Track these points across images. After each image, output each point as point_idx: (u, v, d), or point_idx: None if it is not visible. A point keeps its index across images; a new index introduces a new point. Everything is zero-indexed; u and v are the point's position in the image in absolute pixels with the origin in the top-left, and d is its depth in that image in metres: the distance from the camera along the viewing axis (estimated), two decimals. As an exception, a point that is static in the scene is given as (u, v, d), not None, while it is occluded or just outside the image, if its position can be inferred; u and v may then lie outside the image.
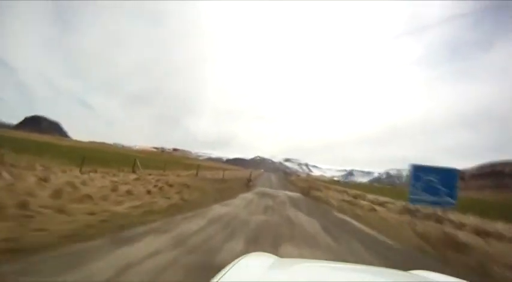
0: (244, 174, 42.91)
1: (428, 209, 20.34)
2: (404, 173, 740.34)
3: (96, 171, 15.65)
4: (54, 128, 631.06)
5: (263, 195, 17.78)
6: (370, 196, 27.07)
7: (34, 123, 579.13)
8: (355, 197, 25.30)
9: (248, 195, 16.50)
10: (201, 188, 15.11)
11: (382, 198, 25.63)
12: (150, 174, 18.52)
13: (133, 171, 18.84)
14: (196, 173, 24.02)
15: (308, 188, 26.03)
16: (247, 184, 23.24)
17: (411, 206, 21.03)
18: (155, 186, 12.65)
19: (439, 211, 18.33)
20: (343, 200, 19.85)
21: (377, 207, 16.95)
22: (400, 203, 22.10)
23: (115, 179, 13.50)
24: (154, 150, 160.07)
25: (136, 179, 14.03)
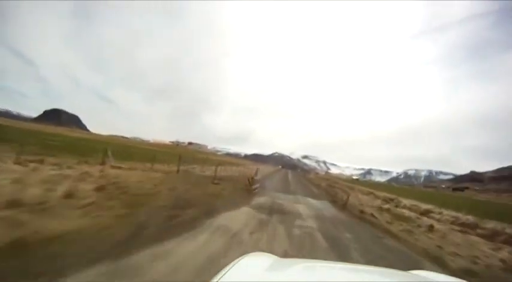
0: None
1: (491, 223, 16.90)
2: (423, 174, 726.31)
3: (42, 162, 12.14)
4: (73, 121, 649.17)
5: (270, 212, 9.63)
6: (406, 201, 23.30)
7: (53, 116, 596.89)
8: (393, 202, 21.77)
9: (238, 217, 7.96)
10: (157, 195, 8.48)
11: (423, 206, 21.82)
12: (118, 168, 14.81)
13: (103, 163, 15.80)
14: (178, 170, 17.57)
15: (334, 193, 22.55)
16: (249, 187, 14.82)
17: (468, 218, 17.68)
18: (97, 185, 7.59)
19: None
20: (381, 209, 16.47)
21: (432, 223, 13.38)
22: (448, 213, 18.51)
23: (53, 172, 9.10)
24: (170, 144, 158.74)
25: (84, 173, 9.72)
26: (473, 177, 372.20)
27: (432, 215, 17.65)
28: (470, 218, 16.72)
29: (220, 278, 1.11)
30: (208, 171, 21.19)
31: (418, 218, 14.77)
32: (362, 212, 13.28)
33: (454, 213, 18.66)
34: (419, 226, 11.45)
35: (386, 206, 18.30)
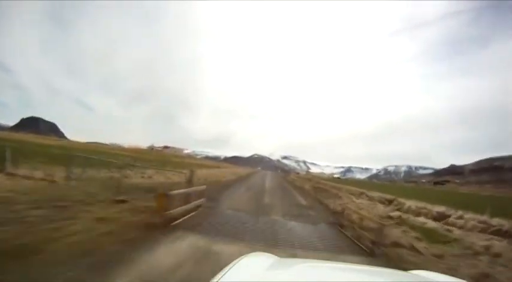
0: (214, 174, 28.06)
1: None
2: (403, 169, 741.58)
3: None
4: (51, 129, 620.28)
5: None
6: (411, 203, 18.72)
7: (31, 124, 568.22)
8: (395, 205, 17.52)
9: None
10: None
11: (429, 207, 17.41)
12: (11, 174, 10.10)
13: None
14: (67, 176, 10.73)
15: (325, 200, 17.99)
16: (161, 213, 6.85)
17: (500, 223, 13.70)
18: None
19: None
20: (391, 218, 12.10)
21: (476, 240, 9.02)
22: (469, 216, 14.41)
23: None
24: (145, 148, 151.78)
25: None
26: (454, 171, 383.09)
27: (453, 220, 13.50)
28: (501, 222, 12.73)
29: (220, 278, 1.13)
30: (162, 177, 16.28)
31: (448, 230, 10.48)
32: (397, 245, 7.52)
33: (472, 215, 14.61)
34: (475, 253, 7.00)
35: (396, 213, 13.88)
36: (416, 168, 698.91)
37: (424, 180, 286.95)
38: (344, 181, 66.66)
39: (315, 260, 3.39)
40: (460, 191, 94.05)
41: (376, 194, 27.31)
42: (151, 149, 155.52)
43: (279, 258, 1.79)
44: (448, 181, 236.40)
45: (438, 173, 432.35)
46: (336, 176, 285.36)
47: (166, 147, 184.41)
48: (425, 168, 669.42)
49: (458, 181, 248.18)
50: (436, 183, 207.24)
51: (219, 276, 1.16)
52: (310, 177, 62.41)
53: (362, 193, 28.45)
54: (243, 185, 22.11)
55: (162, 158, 61.67)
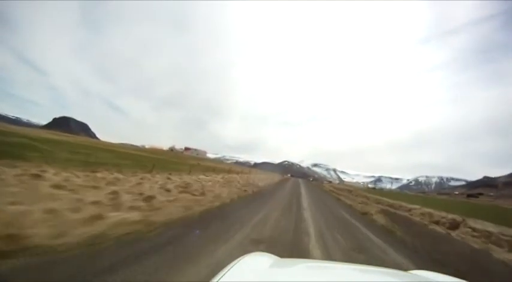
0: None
1: None
2: (434, 180, 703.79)
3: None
4: (82, 128, 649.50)
5: None
6: (477, 225, 12.41)
7: (63, 124, 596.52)
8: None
9: None
10: None
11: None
12: None
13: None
14: None
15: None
16: None
17: None
18: None
19: None
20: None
21: None
22: None
23: None
24: (166, 150, 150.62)
25: None
26: (486, 183, 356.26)
27: None
28: None
29: (220, 278, 1.10)
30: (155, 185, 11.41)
31: None
32: None
33: None
34: None
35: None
36: (447, 179, 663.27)
37: (457, 193, 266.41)
38: (379, 192, 58.38)
39: (315, 260, 3.59)
40: (502, 206, 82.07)
41: (441, 214, 20.99)
42: (171, 150, 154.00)
43: (279, 258, 1.76)
44: (481, 194, 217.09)
45: (471, 185, 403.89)
46: (370, 186, 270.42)
47: (187, 148, 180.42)
48: (456, 180, 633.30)
49: (492, 194, 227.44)
50: (469, 195, 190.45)
51: (219, 276, 1.13)
52: (350, 188, 54.58)
53: (424, 213, 21.99)
54: (273, 197, 17.30)
55: (178, 160, 57.88)
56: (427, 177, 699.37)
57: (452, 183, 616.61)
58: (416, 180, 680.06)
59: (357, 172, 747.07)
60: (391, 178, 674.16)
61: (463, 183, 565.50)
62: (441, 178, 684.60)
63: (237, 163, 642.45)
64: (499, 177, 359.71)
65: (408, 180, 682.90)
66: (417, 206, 24.88)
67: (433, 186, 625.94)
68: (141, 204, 7.18)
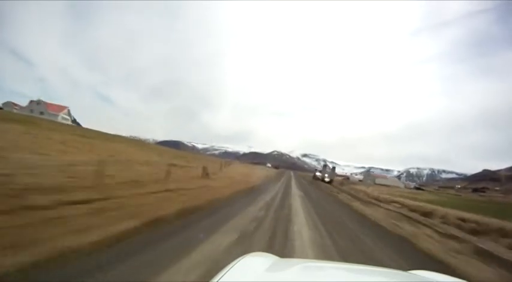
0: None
1: None
2: (425, 172, 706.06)
3: None
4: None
5: None
6: None
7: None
8: None
9: None
10: None
11: None
12: None
13: None
14: None
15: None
16: None
17: None
18: None
19: None
20: None
21: None
22: None
23: None
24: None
25: None
26: (488, 176, 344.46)
27: None
28: None
29: (220, 278, 1.10)
30: None
31: None
32: None
33: None
34: None
35: None
36: (439, 171, 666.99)
37: (458, 186, 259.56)
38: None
39: (315, 260, 3.60)
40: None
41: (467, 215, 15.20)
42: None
43: (279, 258, 1.76)
44: (487, 188, 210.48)
45: (471, 178, 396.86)
46: (357, 177, 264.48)
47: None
48: (448, 172, 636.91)
49: (498, 188, 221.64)
50: (475, 190, 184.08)
51: (219, 276, 1.13)
52: (344, 181, 48.57)
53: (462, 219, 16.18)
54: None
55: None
56: (418, 168, 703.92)
57: (444, 175, 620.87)
58: (407, 171, 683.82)
59: (347, 163, 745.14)
60: (381, 169, 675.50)
61: (455, 175, 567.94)
62: (432, 170, 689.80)
63: (226, 153, 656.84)
64: (500, 170, 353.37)
65: (399, 171, 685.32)
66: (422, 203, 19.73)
67: (424, 178, 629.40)
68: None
